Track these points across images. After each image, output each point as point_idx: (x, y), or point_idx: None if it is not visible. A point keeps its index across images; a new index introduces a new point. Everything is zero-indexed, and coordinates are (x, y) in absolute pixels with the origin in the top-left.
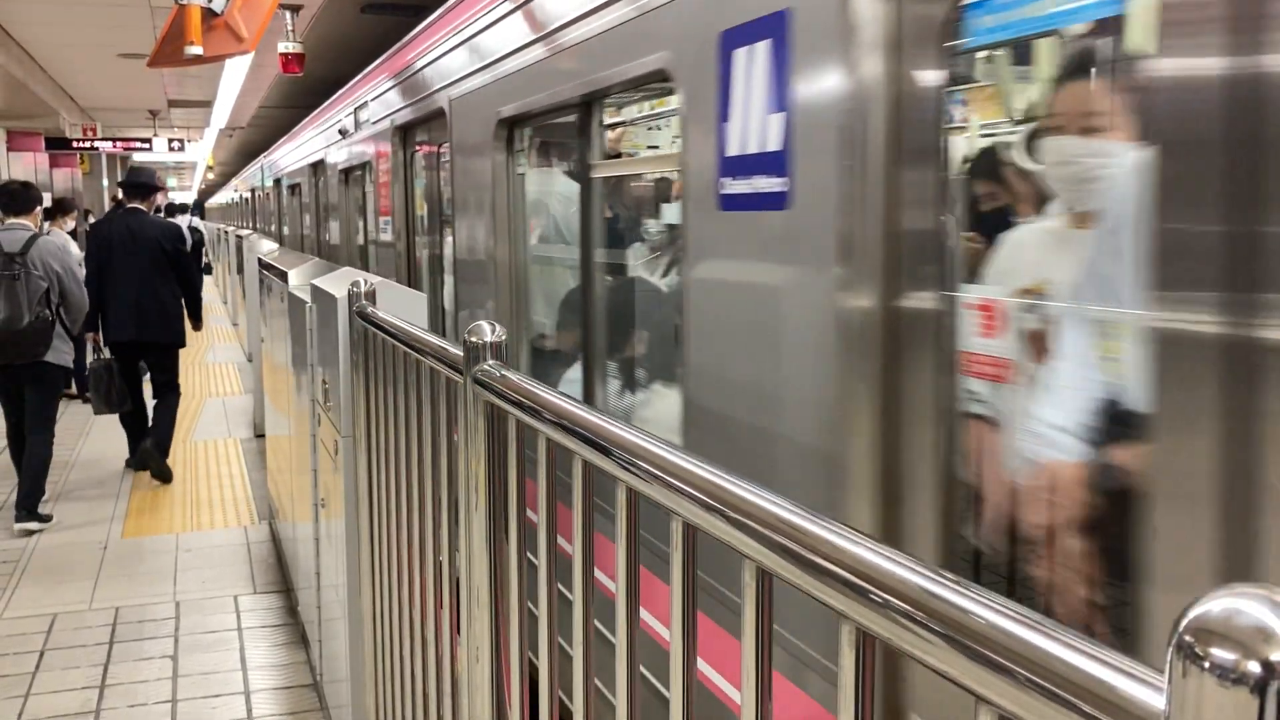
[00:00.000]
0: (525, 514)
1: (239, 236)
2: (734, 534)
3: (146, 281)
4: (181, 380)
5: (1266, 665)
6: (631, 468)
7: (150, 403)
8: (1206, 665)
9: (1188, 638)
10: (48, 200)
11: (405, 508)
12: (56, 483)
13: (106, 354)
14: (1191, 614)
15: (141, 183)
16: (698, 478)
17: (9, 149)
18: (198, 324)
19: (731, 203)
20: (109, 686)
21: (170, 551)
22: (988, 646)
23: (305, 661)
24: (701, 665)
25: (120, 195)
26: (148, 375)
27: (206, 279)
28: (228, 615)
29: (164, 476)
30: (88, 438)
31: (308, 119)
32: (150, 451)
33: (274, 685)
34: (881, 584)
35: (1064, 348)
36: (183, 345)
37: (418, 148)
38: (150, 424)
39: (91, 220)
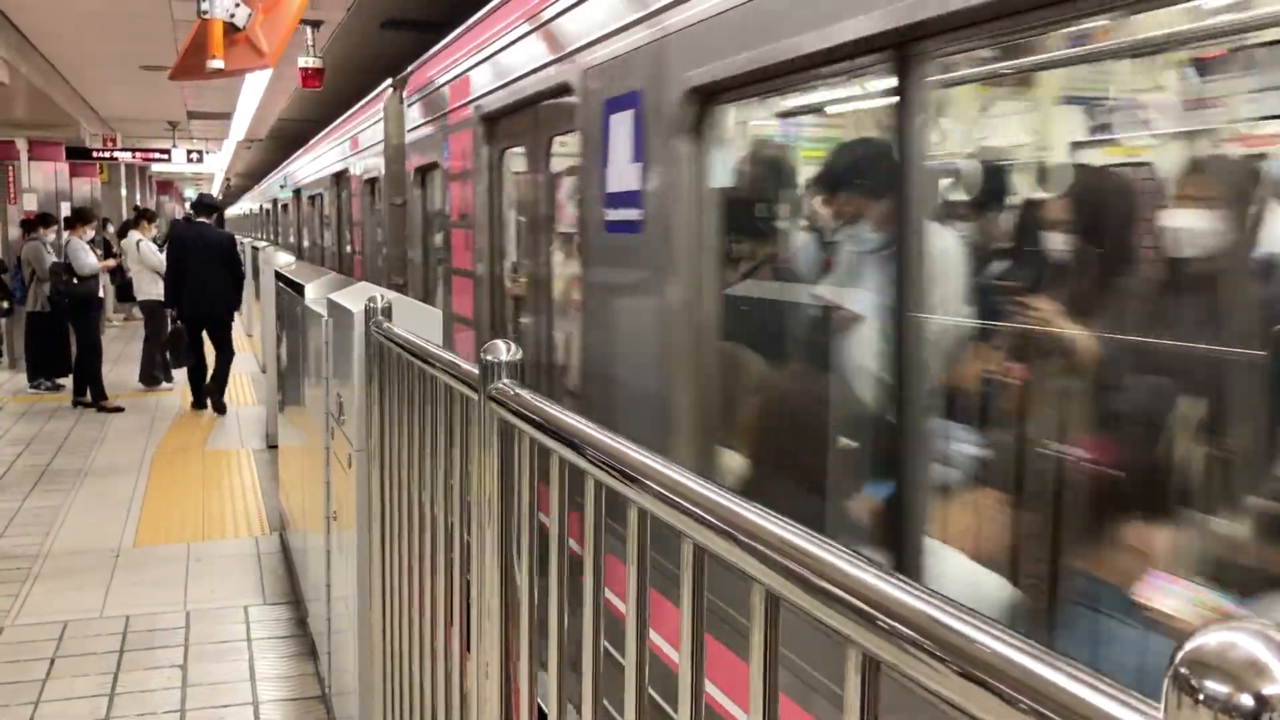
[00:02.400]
0: (537, 531)
1: (255, 248)
2: (743, 557)
3: (207, 271)
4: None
5: (1259, 699)
6: (642, 488)
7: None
8: (1201, 697)
9: (1183, 670)
10: (66, 210)
11: (417, 522)
12: (69, 489)
13: (180, 325)
14: (1187, 646)
15: (208, 204)
16: (709, 500)
17: (30, 158)
18: (238, 304)
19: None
20: (118, 695)
21: (181, 560)
22: (989, 673)
23: (314, 673)
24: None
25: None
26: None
27: None
28: (237, 625)
29: (221, 409)
30: (101, 445)
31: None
32: (213, 392)
33: (282, 697)
34: (888, 610)
35: None
36: (231, 318)
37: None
38: (211, 376)
39: (112, 229)
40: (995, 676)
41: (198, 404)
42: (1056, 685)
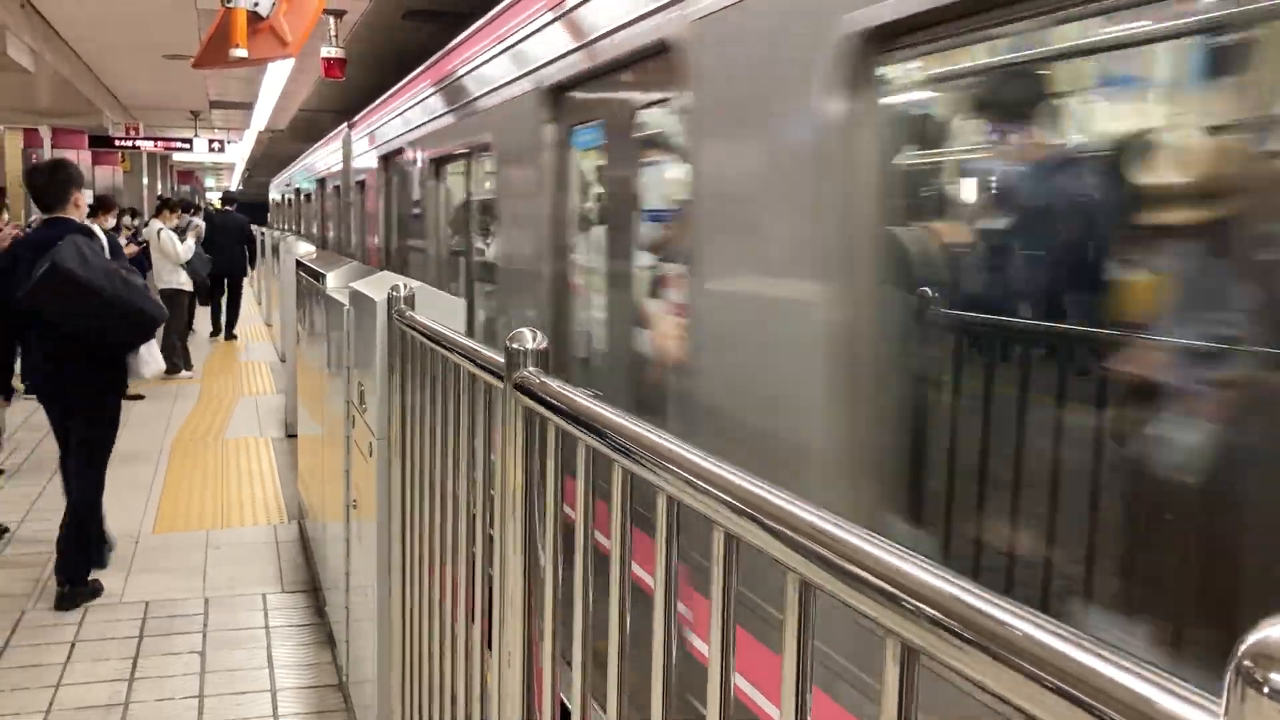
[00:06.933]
0: (561, 521)
1: (274, 237)
2: (775, 545)
3: (232, 245)
4: (215, 380)
5: None
6: (672, 476)
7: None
8: (1265, 690)
9: (1247, 662)
10: (89, 197)
11: (439, 511)
12: None
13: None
14: (1251, 639)
15: (233, 198)
16: (739, 487)
17: (53, 146)
18: (251, 268)
19: None
20: (138, 680)
21: (200, 548)
22: (1033, 662)
23: (331, 662)
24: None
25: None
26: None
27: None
28: (255, 613)
29: (232, 337)
30: (121, 433)
31: None
32: (228, 332)
33: (300, 684)
34: (922, 596)
35: None
36: (244, 276)
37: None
38: (225, 316)
39: (139, 219)
40: (1038, 665)
41: (215, 333)
42: (1107, 677)
